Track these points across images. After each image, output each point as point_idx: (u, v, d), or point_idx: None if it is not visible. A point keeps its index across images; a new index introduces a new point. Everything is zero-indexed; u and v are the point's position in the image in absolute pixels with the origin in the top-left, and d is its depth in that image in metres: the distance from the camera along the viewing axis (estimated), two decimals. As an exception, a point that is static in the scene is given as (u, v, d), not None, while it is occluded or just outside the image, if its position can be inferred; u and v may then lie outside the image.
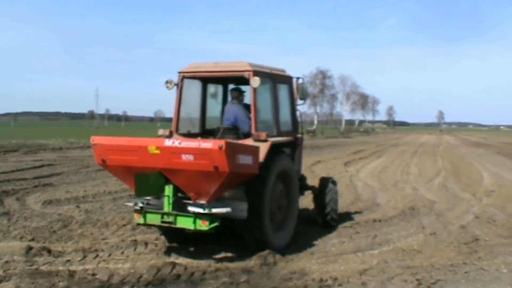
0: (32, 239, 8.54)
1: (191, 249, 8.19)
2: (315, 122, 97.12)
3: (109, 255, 7.79)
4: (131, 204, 7.87)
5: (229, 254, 7.93)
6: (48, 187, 14.64)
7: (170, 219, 7.38)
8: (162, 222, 7.49)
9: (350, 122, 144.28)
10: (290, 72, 9.57)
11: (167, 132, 8.60)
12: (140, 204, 7.63)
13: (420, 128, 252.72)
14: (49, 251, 7.77)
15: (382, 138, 78.37)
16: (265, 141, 7.92)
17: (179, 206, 7.43)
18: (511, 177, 20.34)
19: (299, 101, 9.73)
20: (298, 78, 9.64)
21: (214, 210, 7.19)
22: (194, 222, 7.24)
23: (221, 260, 7.63)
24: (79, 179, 16.86)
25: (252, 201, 7.54)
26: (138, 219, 7.69)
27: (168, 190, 7.36)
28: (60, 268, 7.09)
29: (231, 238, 8.52)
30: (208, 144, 6.74)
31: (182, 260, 7.56)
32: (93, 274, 6.84)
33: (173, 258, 7.68)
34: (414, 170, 22.92)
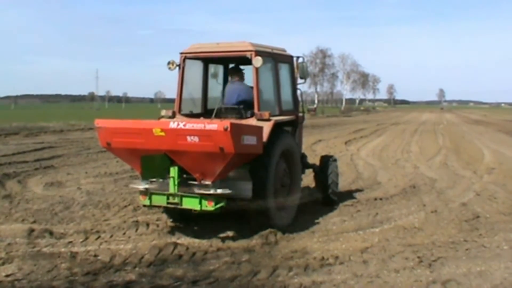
0: (34, 222, 8.57)
1: (193, 229, 8.21)
2: (316, 101, 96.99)
3: (111, 236, 7.82)
4: (136, 186, 7.87)
5: (231, 234, 7.96)
6: (49, 170, 14.65)
7: (176, 200, 7.41)
8: (168, 203, 7.52)
9: (350, 101, 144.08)
10: (290, 51, 9.53)
11: (170, 113, 8.62)
12: (145, 186, 7.65)
13: (420, 106, 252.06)
14: (51, 233, 7.79)
15: (382, 117, 78.19)
16: (268, 120, 7.93)
17: (185, 187, 7.45)
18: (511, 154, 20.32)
19: (300, 80, 9.72)
20: (298, 57, 9.60)
21: (220, 191, 7.22)
22: (200, 203, 7.28)
23: (222, 240, 7.65)
24: (80, 161, 16.87)
25: (257, 181, 7.57)
26: (144, 200, 7.72)
27: (173, 171, 7.36)
28: (62, 249, 7.12)
29: (233, 218, 8.55)
30: (213, 125, 6.73)
31: (183, 240, 7.59)
32: (95, 255, 6.87)
33: (175, 238, 7.71)
34: (414, 149, 22.89)
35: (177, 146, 7.01)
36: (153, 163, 7.35)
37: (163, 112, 8.73)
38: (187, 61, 8.77)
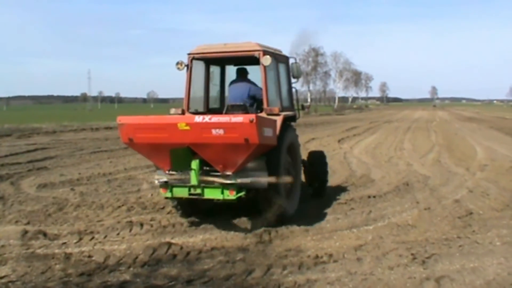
0: (28, 223, 8.55)
1: (187, 229, 8.22)
2: (309, 99, 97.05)
3: (105, 236, 7.81)
4: (156, 180, 8.04)
5: (225, 233, 7.96)
6: (42, 171, 14.61)
7: (198, 191, 7.69)
8: (190, 194, 7.78)
9: (343, 99, 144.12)
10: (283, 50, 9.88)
11: (179, 111, 8.95)
12: (164, 179, 7.87)
13: (413, 104, 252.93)
14: (44, 234, 7.78)
15: (375, 115, 78.38)
16: (277, 114, 8.37)
17: (205, 179, 7.67)
18: (504, 151, 20.41)
19: (293, 80, 10.05)
20: (290, 58, 9.99)
21: (240, 180, 7.54)
22: (222, 193, 7.59)
23: (216, 239, 7.67)
24: (73, 162, 16.82)
25: (271, 171, 7.87)
26: (165, 193, 7.96)
27: (195, 164, 7.59)
28: (56, 251, 7.10)
29: (227, 218, 8.58)
30: (238, 118, 7.06)
31: (177, 240, 7.59)
32: (89, 256, 6.86)
33: (169, 238, 7.71)
34: (408, 146, 22.98)
35: (202, 139, 7.23)
36: (180, 156, 7.56)
37: (172, 111, 9.02)
38: (194, 61, 9.08)
